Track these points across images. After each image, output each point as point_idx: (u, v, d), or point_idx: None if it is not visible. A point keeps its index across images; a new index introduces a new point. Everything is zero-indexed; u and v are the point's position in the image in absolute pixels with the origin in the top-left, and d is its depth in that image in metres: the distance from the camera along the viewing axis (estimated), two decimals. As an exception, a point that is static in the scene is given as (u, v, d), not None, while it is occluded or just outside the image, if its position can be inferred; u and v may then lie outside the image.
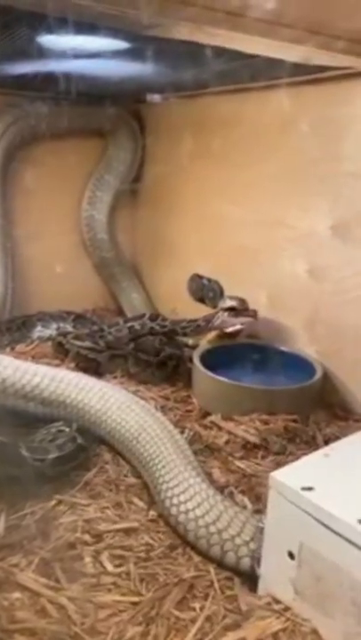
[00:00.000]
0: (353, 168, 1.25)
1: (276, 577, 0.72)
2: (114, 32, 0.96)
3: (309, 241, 1.36)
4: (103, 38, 1.02)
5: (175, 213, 1.80)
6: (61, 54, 1.12)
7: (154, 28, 0.85)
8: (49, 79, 1.37)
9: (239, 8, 0.72)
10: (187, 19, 0.78)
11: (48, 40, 1.03)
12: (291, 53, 1.00)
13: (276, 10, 0.77)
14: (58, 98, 1.65)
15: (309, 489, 0.67)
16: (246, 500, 0.96)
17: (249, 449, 1.12)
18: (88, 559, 0.80)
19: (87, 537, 0.85)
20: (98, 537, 0.85)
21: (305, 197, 1.36)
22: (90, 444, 1.07)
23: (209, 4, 0.72)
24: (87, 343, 1.41)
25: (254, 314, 1.41)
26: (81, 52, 1.12)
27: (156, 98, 1.82)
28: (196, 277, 1.72)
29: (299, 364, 1.36)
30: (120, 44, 1.05)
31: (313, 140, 1.32)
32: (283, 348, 1.42)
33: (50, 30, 0.95)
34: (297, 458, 1.10)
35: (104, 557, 0.80)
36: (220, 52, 0.99)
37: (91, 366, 1.39)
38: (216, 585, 0.76)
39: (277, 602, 0.71)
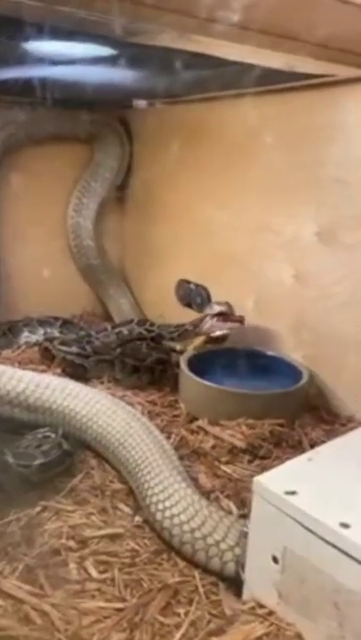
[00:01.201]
0: (337, 174, 1.26)
1: (260, 581, 0.72)
2: (98, 38, 0.97)
3: (295, 247, 1.37)
4: (87, 44, 1.02)
5: (162, 219, 1.80)
6: (45, 60, 1.13)
7: (138, 35, 0.86)
8: (32, 85, 1.37)
9: (219, 15, 0.73)
10: (167, 25, 0.79)
11: (31, 46, 1.03)
12: (273, 60, 1.01)
13: (257, 17, 0.78)
14: (42, 104, 1.65)
15: (293, 493, 0.67)
16: (232, 505, 0.96)
17: (235, 453, 1.12)
18: (73, 565, 0.79)
19: (72, 543, 0.84)
20: (83, 543, 0.85)
21: (291, 203, 1.37)
22: (76, 449, 1.07)
23: (184, 10, 0.73)
24: (74, 349, 1.41)
25: (241, 319, 1.42)
26: (65, 58, 1.12)
27: (141, 104, 1.82)
28: (184, 283, 1.72)
29: (285, 369, 1.37)
30: (105, 50, 1.05)
31: (298, 146, 1.33)
32: (269, 353, 1.42)
33: (33, 36, 0.95)
34: (283, 462, 1.11)
35: (89, 563, 0.80)
36: (204, 58, 0.99)
37: (77, 372, 1.38)
38: (201, 590, 0.76)
39: (262, 606, 0.71)
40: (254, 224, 1.47)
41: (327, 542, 0.62)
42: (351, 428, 1.24)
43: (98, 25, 0.73)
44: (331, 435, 1.21)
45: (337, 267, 1.29)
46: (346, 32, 0.86)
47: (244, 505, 0.96)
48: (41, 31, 0.82)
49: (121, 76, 1.30)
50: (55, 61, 1.12)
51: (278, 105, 1.36)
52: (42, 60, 1.11)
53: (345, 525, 0.62)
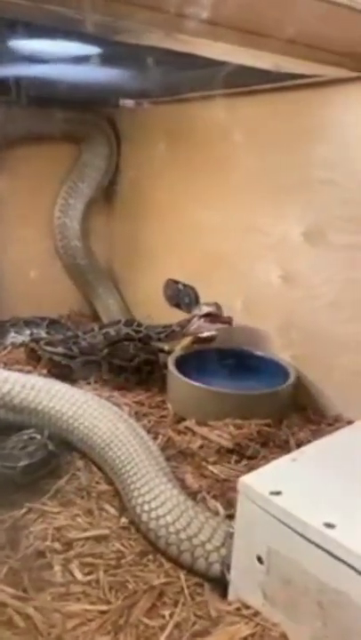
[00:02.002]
0: (324, 175, 1.26)
1: (245, 582, 0.72)
2: (84, 36, 0.96)
3: (283, 247, 1.37)
4: (73, 42, 1.02)
5: (150, 219, 1.80)
6: (30, 58, 1.12)
7: (122, 33, 0.85)
8: (16, 84, 1.36)
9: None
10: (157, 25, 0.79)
11: (16, 44, 1.02)
12: (260, 61, 1.01)
13: (243, 17, 0.78)
14: (29, 103, 1.64)
15: (277, 493, 0.67)
16: (219, 506, 0.96)
17: (223, 454, 1.12)
18: (57, 568, 0.79)
19: (57, 545, 0.84)
20: (68, 545, 0.84)
21: (278, 204, 1.37)
22: (62, 451, 1.06)
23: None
24: (60, 349, 1.40)
25: (229, 320, 1.42)
26: (50, 57, 1.12)
27: (129, 103, 1.82)
28: (172, 283, 1.72)
29: (273, 369, 1.37)
30: (91, 49, 1.05)
31: (286, 146, 1.33)
32: (257, 353, 1.42)
33: (18, 34, 0.94)
34: (270, 462, 1.12)
35: (74, 566, 0.79)
36: (192, 58, 0.99)
37: (63, 373, 1.37)
38: (186, 591, 0.75)
39: (247, 607, 0.71)
40: (243, 224, 1.47)
41: (312, 542, 0.62)
42: (338, 428, 1.24)
43: (75, 22, 0.73)
44: (318, 435, 1.21)
45: (324, 267, 1.29)
46: (319, 29, 0.86)
47: (230, 505, 0.96)
48: (23, 29, 0.82)
49: (107, 74, 1.29)
50: (38, 60, 1.11)
51: (267, 105, 1.36)
52: (24, 59, 1.10)
53: (329, 525, 0.62)
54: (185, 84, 1.41)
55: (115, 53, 1.07)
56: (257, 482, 0.69)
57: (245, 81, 1.30)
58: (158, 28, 0.79)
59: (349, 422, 1.26)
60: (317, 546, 0.61)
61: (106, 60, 1.13)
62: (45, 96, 1.60)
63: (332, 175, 1.24)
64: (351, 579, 0.59)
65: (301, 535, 0.63)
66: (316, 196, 1.28)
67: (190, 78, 1.33)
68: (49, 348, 1.40)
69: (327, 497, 0.67)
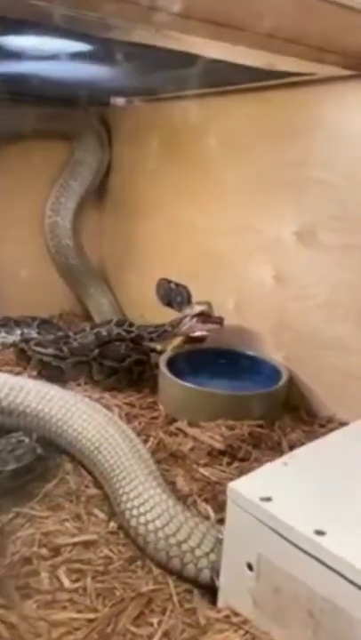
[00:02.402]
0: (317, 174, 1.25)
1: (235, 589, 0.71)
2: (73, 33, 0.95)
3: (275, 247, 1.36)
4: (64, 40, 1.00)
5: (142, 218, 1.78)
6: (22, 55, 1.10)
7: (112, 30, 0.84)
8: (9, 80, 1.34)
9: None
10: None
11: (7, 41, 1.01)
12: (254, 59, 1.00)
13: (238, 17, 0.77)
14: (21, 100, 1.62)
15: (267, 499, 0.66)
16: (209, 509, 0.95)
17: (214, 456, 1.11)
18: (44, 574, 0.77)
19: (44, 551, 0.82)
20: (55, 551, 0.83)
21: (271, 203, 1.36)
22: (50, 454, 1.05)
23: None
24: (50, 350, 1.38)
25: (220, 320, 1.40)
26: (42, 54, 1.10)
27: (120, 101, 1.80)
28: (164, 282, 1.70)
29: (265, 369, 1.36)
30: (81, 46, 1.03)
31: (279, 145, 1.32)
32: (249, 353, 1.41)
33: (8, 31, 0.93)
34: (262, 464, 1.09)
35: (61, 572, 0.78)
36: (185, 55, 0.98)
37: (54, 374, 1.36)
38: (175, 598, 0.74)
39: (236, 614, 0.70)
40: (236, 224, 1.46)
41: (302, 550, 0.61)
42: (331, 429, 1.24)
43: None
44: (310, 436, 1.21)
45: (317, 267, 1.28)
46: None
47: (221, 509, 0.94)
48: (10, 25, 0.80)
49: (101, 71, 1.28)
50: (28, 57, 1.10)
51: (260, 103, 1.35)
52: (14, 55, 1.08)
53: (320, 533, 0.60)
54: (175, 82, 1.39)
55: (104, 50, 1.06)
56: (246, 487, 0.68)
57: (238, 79, 1.29)
58: (146, 23, 0.78)
59: (342, 423, 1.25)
60: (308, 554, 0.60)
61: (95, 56, 1.11)
62: (36, 93, 1.58)
63: (326, 175, 1.23)
64: (342, 587, 0.58)
65: (291, 542, 0.62)
66: (309, 195, 1.27)
67: (181, 76, 1.31)
68: (39, 349, 1.39)
69: (318, 503, 0.66)
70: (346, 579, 0.57)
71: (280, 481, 0.70)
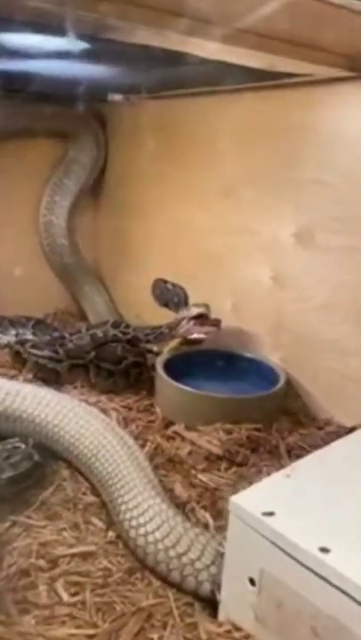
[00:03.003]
0: (315, 175, 1.24)
1: (236, 603, 0.70)
2: (72, 32, 0.93)
3: (273, 248, 1.35)
4: (61, 38, 0.98)
5: (139, 217, 1.76)
6: (18, 53, 1.08)
7: (112, 30, 0.82)
8: (2, 77, 1.32)
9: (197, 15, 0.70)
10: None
11: (3, 38, 0.99)
12: (255, 60, 0.98)
13: (240, 18, 0.75)
14: (15, 97, 1.59)
15: (270, 514, 0.65)
16: (208, 517, 0.94)
17: (212, 460, 1.10)
18: (42, 587, 0.76)
19: (42, 562, 0.81)
20: (53, 562, 0.81)
21: (269, 203, 1.35)
22: (47, 460, 1.03)
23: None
24: (46, 352, 1.36)
25: (218, 323, 1.39)
26: (39, 52, 1.08)
27: (117, 98, 1.78)
28: (161, 282, 1.68)
29: (262, 372, 1.35)
30: (78, 45, 1.01)
31: (278, 145, 1.31)
32: (247, 355, 1.40)
33: (4, 29, 0.91)
34: (260, 469, 1.10)
35: (59, 585, 0.77)
36: (183, 55, 0.96)
37: (50, 377, 1.34)
38: (175, 612, 0.73)
39: (238, 629, 0.69)
40: (233, 224, 1.44)
41: (306, 567, 0.60)
42: (328, 432, 1.24)
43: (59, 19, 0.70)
44: (308, 439, 1.20)
45: (316, 269, 1.27)
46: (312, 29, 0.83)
47: (220, 516, 0.94)
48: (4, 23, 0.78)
49: (94, 69, 1.26)
50: (23, 54, 1.08)
51: (258, 103, 1.34)
52: (8, 53, 1.06)
53: (325, 550, 0.59)
54: (175, 80, 1.37)
55: (100, 49, 1.04)
56: (249, 501, 0.67)
57: (237, 79, 1.27)
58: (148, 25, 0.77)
59: (340, 426, 1.25)
60: (312, 571, 0.59)
61: (92, 55, 1.09)
62: (31, 91, 1.55)
63: (325, 176, 1.22)
64: (346, 606, 0.57)
65: (295, 559, 0.61)
66: (308, 196, 1.26)
67: (180, 75, 1.29)
68: (35, 352, 1.37)
69: (323, 518, 0.65)
70: (351, 597, 0.56)
71: (283, 494, 0.69)
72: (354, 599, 0.56)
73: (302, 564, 0.60)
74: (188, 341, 1.42)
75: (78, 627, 0.70)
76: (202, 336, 1.37)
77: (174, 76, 1.32)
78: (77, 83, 1.45)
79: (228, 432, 1.17)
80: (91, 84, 1.49)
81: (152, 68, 1.25)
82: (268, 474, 0.91)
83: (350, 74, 1.09)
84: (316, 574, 0.59)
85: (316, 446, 0.99)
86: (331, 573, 0.58)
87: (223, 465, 1.09)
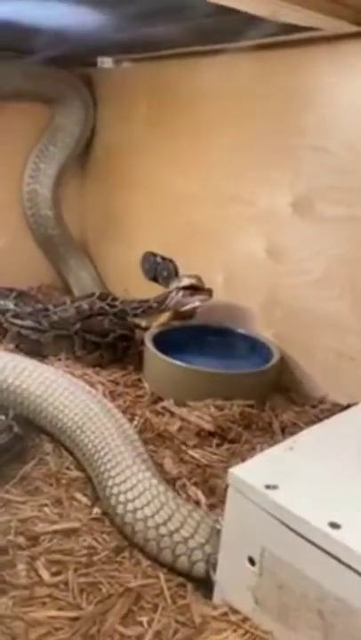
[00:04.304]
0: (315, 141, 1.18)
1: (234, 584, 0.64)
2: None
3: (268, 219, 1.30)
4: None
5: (127, 187, 1.69)
6: None
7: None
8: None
9: None
10: None
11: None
12: (256, 6, 0.91)
13: None
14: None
15: (274, 487, 0.59)
16: (200, 494, 0.89)
17: (203, 437, 1.06)
18: (21, 566, 0.70)
19: (21, 540, 0.75)
20: (34, 540, 0.76)
21: (264, 172, 1.29)
22: (28, 433, 0.98)
23: None
24: (28, 322, 1.30)
25: (209, 292, 1.33)
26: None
27: (107, 62, 1.70)
28: (150, 255, 1.63)
29: (255, 348, 1.31)
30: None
31: (273, 110, 1.25)
32: (239, 331, 1.36)
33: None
34: (253, 446, 1.05)
35: (40, 564, 0.71)
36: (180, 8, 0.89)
37: (32, 348, 1.28)
38: (166, 593, 0.68)
39: (235, 612, 0.64)
40: (226, 193, 1.38)
41: (314, 544, 0.55)
42: (322, 410, 1.20)
43: None
44: (302, 417, 1.18)
45: (313, 241, 1.22)
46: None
47: (212, 493, 0.90)
48: None
49: (83, 21, 1.18)
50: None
51: (254, 64, 1.28)
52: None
53: (335, 525, 0.54)
54: (168, 37, 1.30)
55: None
56: (250, 474, 0.61)
57: (236, 34, 1.20)
58: None
59: (335, 404, 1.22)
60: (320, 548, 0.54)
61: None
62: (13, 48, 1.47)
63: (324, 142, 1.17)
64: (359, 587, 0.51)
65: (302, 536, 0.55)
66: (305, 164, 1.21)
67: (175, 31, 1.22)
68: (17, 321, 1.30)
69: (330, 492, 0.60)
70: (364, 577, 0.51)
71: (286, 467, 0.64)
72: (367, 579, 0.51)
73: (309, 541, 0.55)
74: (179, 315, 1.36)
75: (60, 608, 0.64)
76: (195, 304, 1.31)
77: (168, 33, 1.25)
78: (65, 39, 1.37)
79: (220, 408, 1.13)
80: (79, 41, 1.40)
81: (145, 23, 1.18)
82: (263, 451, 0.87)
83: (355, 28, 1.03)
84: (326, 552, 0.54)
85: (310, 424, 0.95)
86: (342, 551, 0.52)
87: (215, 441, 1.06)
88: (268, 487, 0.59)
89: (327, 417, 0.87)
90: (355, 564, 0.52)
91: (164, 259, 1.59)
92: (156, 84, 1.53)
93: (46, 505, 0.83)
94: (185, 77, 1.44)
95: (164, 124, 1.52)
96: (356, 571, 0.52)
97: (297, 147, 1.21)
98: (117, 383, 1.23)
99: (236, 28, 1.10)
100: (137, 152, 1.63)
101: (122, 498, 0.77)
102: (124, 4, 1.03)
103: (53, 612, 0.63)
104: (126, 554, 0.74)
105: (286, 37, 1.14)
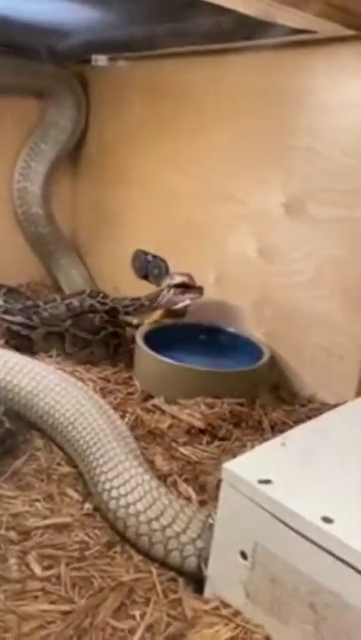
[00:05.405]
0: (308, 142, 1.18)
1: (225, 578, 0.65)
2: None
3: (260, 218, 1.30)
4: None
5: (119, 185, 1.69)
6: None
7: None
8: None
9: None
10: None
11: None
12: (250, 6, 0.92)
13: None
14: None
15: (267, 482, 0.60)
16: (191, 490, 0.89)
17: (194, 434, 1.06)
18: (13, 561, 0.70)
19: (13, 534, 0.75)
20: (25, 534, 0.75)
21: (257, 172, 1.30)
22: (19, 428, 0.97)
23: None
24: (19, 318, 1.29)
25: (200, 290, 1.34)
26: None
27: (101, 59, 1.69)
28: (141, 254, 1.62)
29: (245, 346, 1.31)
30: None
31: (268, 110, 1.26)
32: (229, 329, 1.36)
33: None
34: (243, 443, 1.06)
35: (31, 558, 0.71)
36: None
37: (23, 344, 1.27)
38: (158, 588, 0.68)
39: (227, 606, 0.64)
40: (218, 193, 1.39)
41: (306, 538, 0.55)
42: (311, 409, 1.21)
43: None
44: (291, 415, 1.18)
45: (304, 242, 1.23)
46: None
47: (203, 490, 0.90)
48: None
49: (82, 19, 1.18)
50: None
51: (250, 66, 1.28)
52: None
53: (328, 520, 0.55)
54: (164, 36, 1.30)
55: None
56: (243, 468, 0.62)
57: (227, 37, 1.20)
58: None
59: (323, 403, 1.22)
60: (313, 542, 0.54)
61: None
62: (5, 41, 1.46)
63: (317, 144, 1.18)
64: (351, 581, 0.52)
65: (295, 530, 0.56)
66: (298, 164, 1.21)
67: (171, 30, 1.22)
68: (7, 317, 1.30)
69: (323, 487, 0.60)
70: (356, 570, 0.52)
71: (279, 462, 0.64)
72: (359, 572, 0.52)
73: (302, 535, 0.55)
74: (171, 313, 1.36)
75: (52, 602, 0.64)
76: (187, 302, 1.32)
77: (164, 32, 1.25)
78: (59, 35, 1.37)
79: (210, 406, 1.14)
80: (73, 38, 1.40)
81: (140, 22, 1.18)
82: (253, 448, 0.88)
83: (349, 32, 1.04)
84: (318, 546, 0.54)
85: (300, 422, 0.96)
86: (334, 545, 0.53)
87: (205, 439, 1.06)
88: (261, 482, 0.60)
89: (316, 416, 0.88)
90: (347, 557, 0.52)
91: (154, 257, 1.59)
92: (150, 83, 1.53)
93: (38, 500, 0.83)
94: (179, 77, 1.45)
95: (159, 123, 1.52)
96: (348, 564, 0.52)
97: (290, 148, 1.22)
98: (108, 380, 1.23)
99: (230, 29, 1.10)
100: (130, 150, 1.63)
101: (114, 493, 0.77)
102: (118, 1, 1.04)
103: (46, 606, 0.63)
104: (118, 549, 0.75)
105: (282, 39, 1.15)
